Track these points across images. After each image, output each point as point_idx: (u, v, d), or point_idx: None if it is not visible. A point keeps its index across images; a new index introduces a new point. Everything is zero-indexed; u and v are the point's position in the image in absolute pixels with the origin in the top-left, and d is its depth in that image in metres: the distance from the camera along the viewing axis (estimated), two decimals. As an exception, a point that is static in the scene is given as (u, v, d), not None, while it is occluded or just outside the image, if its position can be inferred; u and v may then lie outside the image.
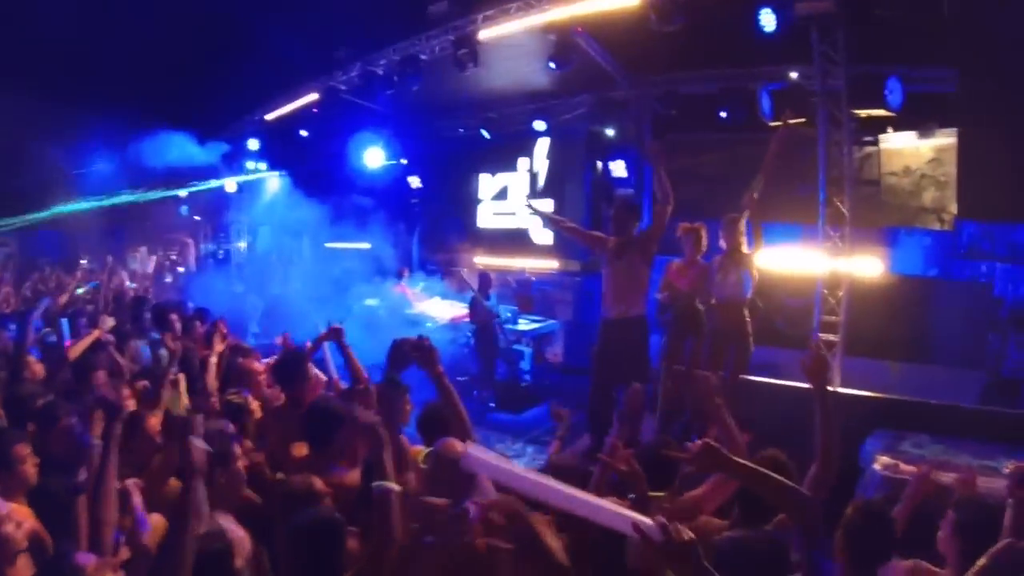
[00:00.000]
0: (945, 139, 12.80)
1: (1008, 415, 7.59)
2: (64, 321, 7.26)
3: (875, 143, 12.26)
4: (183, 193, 18.10)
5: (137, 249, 19.72)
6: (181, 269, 18.58)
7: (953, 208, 12.81)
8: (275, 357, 6.00)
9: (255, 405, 5.18)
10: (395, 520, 3.03)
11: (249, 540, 3.40)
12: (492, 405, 10.79)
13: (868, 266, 10.15)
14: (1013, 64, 7.76)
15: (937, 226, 12.92)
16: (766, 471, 2.86)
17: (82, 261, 16.95)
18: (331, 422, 4.11)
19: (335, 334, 5.54)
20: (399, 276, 13.98)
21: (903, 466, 6.68)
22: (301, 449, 4.36)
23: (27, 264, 16.23)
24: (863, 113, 9.76)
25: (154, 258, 18.55)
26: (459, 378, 10.80)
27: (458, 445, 3.11)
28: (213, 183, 16.41)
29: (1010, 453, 6.28)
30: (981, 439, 7.01)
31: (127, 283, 13.08)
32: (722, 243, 7.90)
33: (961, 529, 3.30)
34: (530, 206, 8.66)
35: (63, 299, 9.47)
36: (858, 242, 9.23)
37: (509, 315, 11.72)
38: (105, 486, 3.15)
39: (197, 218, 18.62)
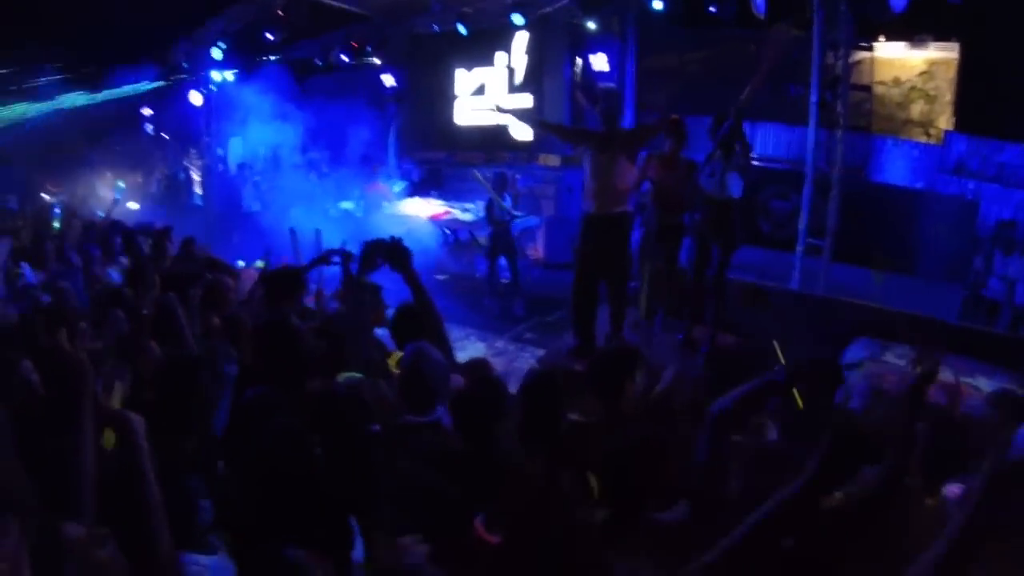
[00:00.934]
0: (938, 52, 12.56)
1: (991, 336, 7.46)
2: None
3: (869, 49, 11.82)
4: (147, 111, 17.51)
5: (104, 175, 19.19)
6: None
7: (941, 123, 12.67)
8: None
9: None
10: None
11: None
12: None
13: (855, 174, 9.88)
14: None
15: (924, 139, 12.79)
16: None
17: (46, 196, 16.48)
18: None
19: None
20: (374, 175, 13.46)
21: (888, 377, 6.59)
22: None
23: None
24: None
25: (123, 182, 18.02)
26: (438, 276, 10.43)
27: None
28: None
29: (990, 373, 6.20)
30: (962, 356, 6.85)
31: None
32: (713, 141, 7.51)
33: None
34: (499, 108, 8.16)
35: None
36: (846, 147, 8.96)
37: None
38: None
39: (165, 136, 17.88)
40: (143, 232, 8.44)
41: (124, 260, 7.52)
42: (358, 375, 3.24)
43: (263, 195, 15.18)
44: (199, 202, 17.16)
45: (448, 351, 3.61)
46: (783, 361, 3.30)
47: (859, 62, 13.30)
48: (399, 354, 3.79)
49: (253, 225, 12.66)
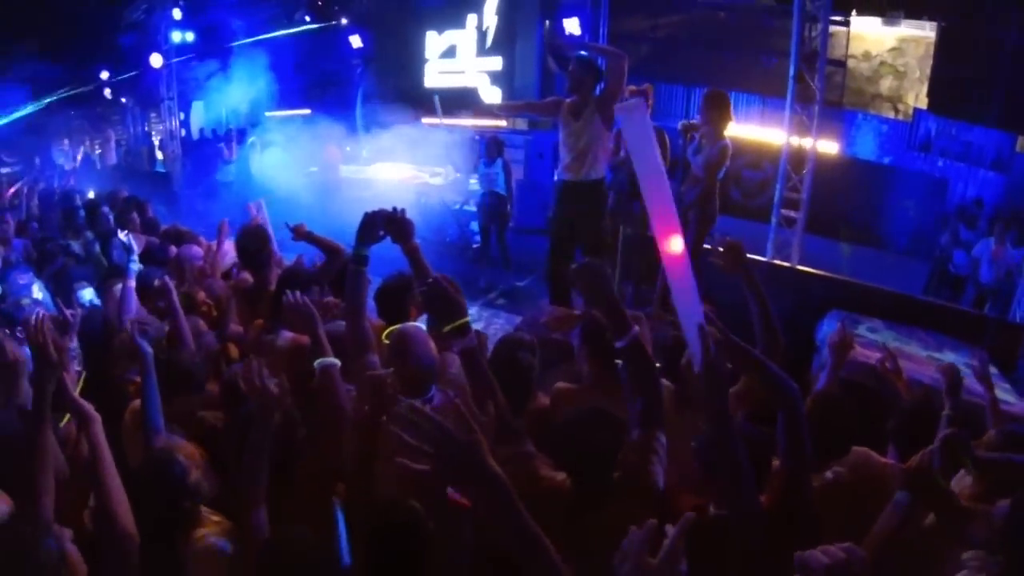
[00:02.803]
0: (909, 30, 12.62)
1: (957, 312, 7.50)
2: None
3: (845, 24, 11.84)
4: (104, 75, 16.96)
5: (62, 143, 18.58)
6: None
7: (909, 99, 12.77)
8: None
9: (200, 296, 4.88)
10: (341, 396, 3.02)
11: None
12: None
13: (826, 146, 9.90)
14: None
15: (892, 115, 12.92)
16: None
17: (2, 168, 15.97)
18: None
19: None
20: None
21: (860, 349, 6.63)
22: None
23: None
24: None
25: (81, 149, 17.49)
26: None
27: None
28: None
29: (956, 348, 6.26)
30: (929, 330, 6.96)
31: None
32: (699, 116, 7.46)
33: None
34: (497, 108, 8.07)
35: None
36: (820, 120, 8.86)
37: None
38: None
39: (123, 100, 17.28)
40: (108, 201, 8.17)
41: (88, 234, 7.08)
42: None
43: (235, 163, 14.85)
44: (161, 169, 16.63)
45: None
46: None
47: (833, 35, 13.35)
48: (389, 327, 3.67)
49: (224, 195, 12.30)
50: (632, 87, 7.82)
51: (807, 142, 8.70)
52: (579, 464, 2.60)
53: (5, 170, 17.18)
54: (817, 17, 8.61)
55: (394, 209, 3.57)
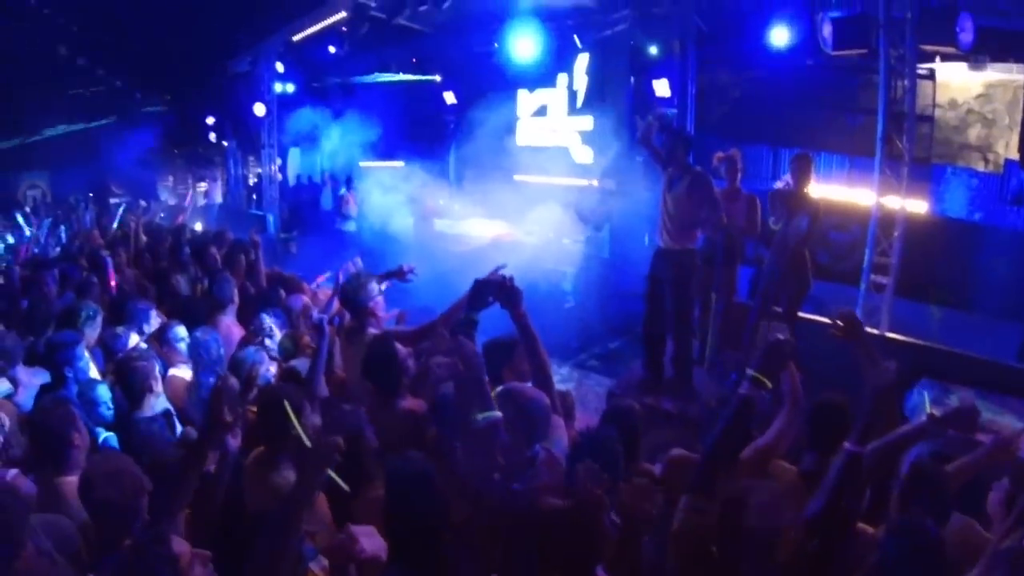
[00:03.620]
0: (996, 74, 12.42)
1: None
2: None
3: (931, 74, 11.71)
4: (210, 120, 18.06)
5: (167, 180, 19.78)
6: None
7: (999, 148, 12.52)
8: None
9: (305, 339, 5.29)
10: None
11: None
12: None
13: (915, 206, 9.87)
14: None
15: (981, 165, 12.68)
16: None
17: (112, 200, 17.04)
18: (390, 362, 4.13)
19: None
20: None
21: None
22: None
23: (59, 203, 16.46)
24: (930, 49, 9.36)
25: (189, 193, 18.56)
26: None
27: None
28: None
29: None
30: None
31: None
32: (789, 179, 7.73)
33: (1012, 500, 3.25)
34: None
35: None
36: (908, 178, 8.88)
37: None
38: None
39: (225, 143, 18.40)
40: (214, 242, 8.66)
41: (193, 269, 7.74)
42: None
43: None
44: (257, 211, 17.59)
45: (551, 392, 3.73)
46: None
47: (919, 86, 13.24)
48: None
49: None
50: (720, 153, 8.20)
51: (896, 203, 8.65)
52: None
53: (114, 200, 18.39)
54: (903, 72, 8.59)
55: (503, 277, 3.75)
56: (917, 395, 6.93)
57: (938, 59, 12.46)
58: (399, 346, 4.20)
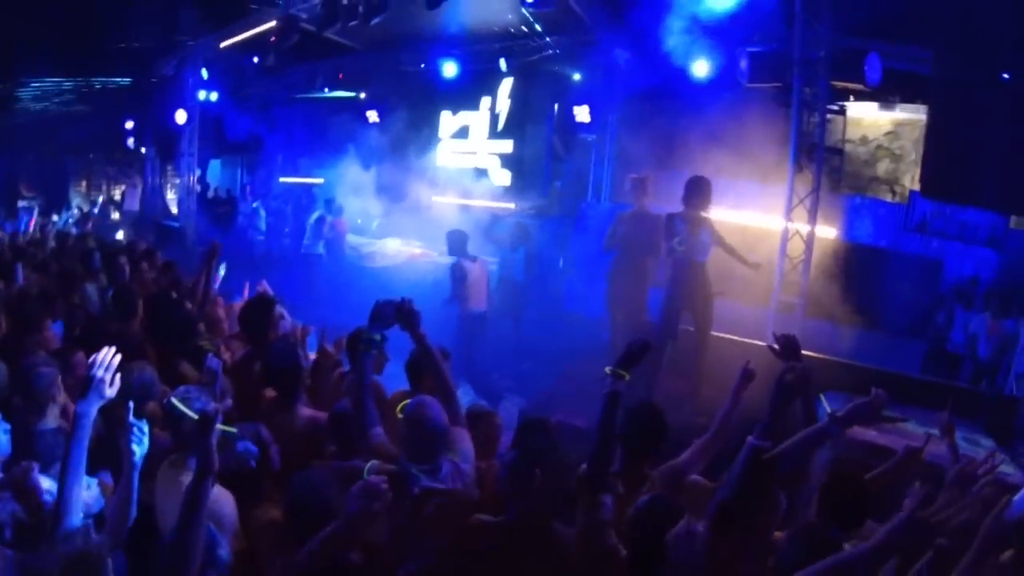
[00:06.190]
0: (904, 114, 13.11)
1: (952, 388, 7.81)
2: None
3: (842, 112, 12.33)
4: (129, 124, 17.49)
5: (79, 184, 19.01)
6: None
7: (906, 181, 13.20)
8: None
9: (226, 355, 5.13)
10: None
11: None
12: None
13: (825, 231, 10.22)
14: (987, 49, 7.83)
15: (889, 197, 13.37)
16: None
17: (20, 202, 16.36)
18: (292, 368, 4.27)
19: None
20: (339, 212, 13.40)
21: (858, 428, 6.85)
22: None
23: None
24: (839, 85, 9.81)
25: (100, 197, 17.93)
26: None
27: None
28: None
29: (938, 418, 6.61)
30: (927, 408, 7.16)
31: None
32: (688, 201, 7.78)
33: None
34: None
35: None
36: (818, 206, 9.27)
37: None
38: None
39: (143, 150, 17.80)
40: (125, 251, 8.44)
41: (103, 278, 7.52)
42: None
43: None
44: (174, 223, 16.99)
45: (453, 405, 3.81)
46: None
47: (830, 122, 13.80)
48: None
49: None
50: (633, 176, 8.35)
51: (804, 228, 9.07)
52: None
53: (23, 203, 17.58)
54: (815, 107, 9.08)
55: (403, 299, 3.84)
56: (825, 406, 7.08)
57: (851, 98, 13.09)
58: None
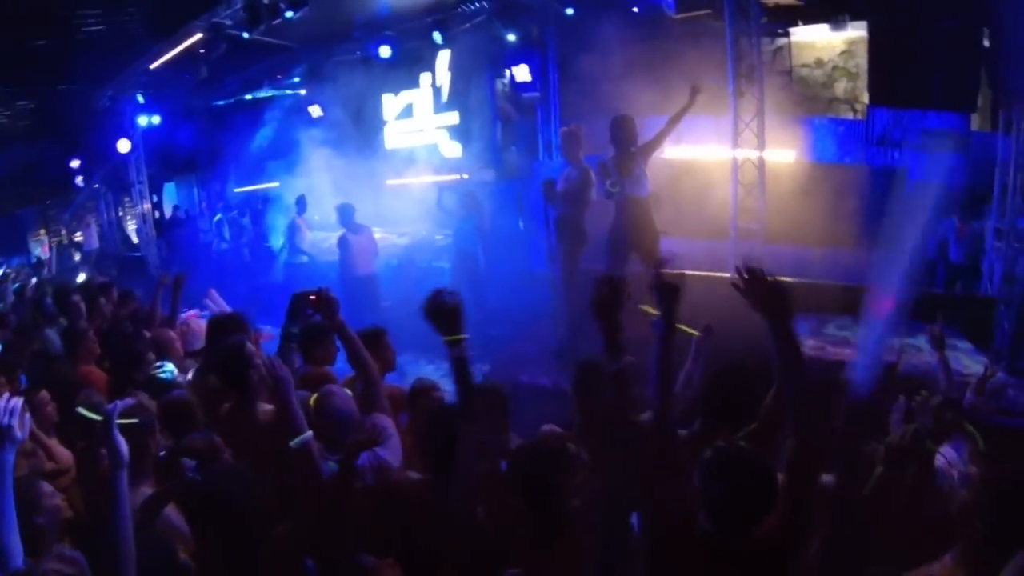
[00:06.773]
0: (856, 32, 12.88)
1: (922, 295, 7.58)
2: None
3: (786, 35, 12.08)
4: (75, 163, 17.16)
5: (37, 233, 18.79)
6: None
7: (865, 98, 12.88)
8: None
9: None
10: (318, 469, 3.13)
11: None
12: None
13: (782, 155, 10.01)
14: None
15: (850, 115, 13.21)
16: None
17: None
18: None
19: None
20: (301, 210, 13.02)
21: (830, 348, 6.81)
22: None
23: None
24: (771, 2, 9.51)
25: (54, 242, 17.66)
26: (384, 303, 10.16)
27: None
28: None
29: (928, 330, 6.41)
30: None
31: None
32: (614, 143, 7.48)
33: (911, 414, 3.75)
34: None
35: None
36: (772, 132, 9.09)
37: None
38: None
39: (96, 186, 17.40)
40: (79, 289, 8.28)
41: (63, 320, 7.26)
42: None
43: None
44: (136, 253, 16.67)
45: (375, 391, 3.81)
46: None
47: (779, 48, 13.52)
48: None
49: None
50: (563, 128, 8.10)
51: (753, 154, 8.85)
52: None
53: None
54: (748, 30, 8.84)
55: (319, 289, 3.82)
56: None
57: (800, 22, 12.84)
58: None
